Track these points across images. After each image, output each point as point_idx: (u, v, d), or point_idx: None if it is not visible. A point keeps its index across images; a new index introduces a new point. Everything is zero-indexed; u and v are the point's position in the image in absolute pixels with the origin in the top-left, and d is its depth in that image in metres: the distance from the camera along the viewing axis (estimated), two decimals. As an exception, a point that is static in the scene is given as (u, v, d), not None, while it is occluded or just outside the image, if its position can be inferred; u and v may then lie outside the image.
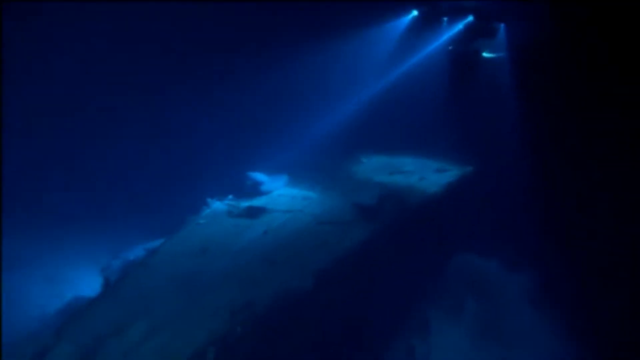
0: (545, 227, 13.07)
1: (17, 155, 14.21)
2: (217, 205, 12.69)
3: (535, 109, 13.44)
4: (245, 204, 12.52)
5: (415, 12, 15.71)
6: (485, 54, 14.92)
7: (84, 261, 13.48)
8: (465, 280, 12.58)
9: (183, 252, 10.65)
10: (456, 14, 15.09)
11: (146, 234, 13.35)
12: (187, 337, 8.02)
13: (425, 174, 13.82)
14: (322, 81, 16.12)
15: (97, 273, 12.25)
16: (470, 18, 15.01)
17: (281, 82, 15.87)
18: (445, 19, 15.32)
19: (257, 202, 12.71)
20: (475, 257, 12.86)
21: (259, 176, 13.67)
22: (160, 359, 7.64)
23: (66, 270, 13.19)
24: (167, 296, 9.11)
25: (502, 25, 14.39)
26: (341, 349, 10.38)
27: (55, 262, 13.24)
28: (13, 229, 13.19)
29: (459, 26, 15.18)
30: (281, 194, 13.32)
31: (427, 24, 15.54)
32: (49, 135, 14.86)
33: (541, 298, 11.91)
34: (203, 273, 9.79)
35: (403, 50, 15.93)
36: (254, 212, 12.11)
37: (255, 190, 13.33)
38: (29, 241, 13.18)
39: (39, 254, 13.26)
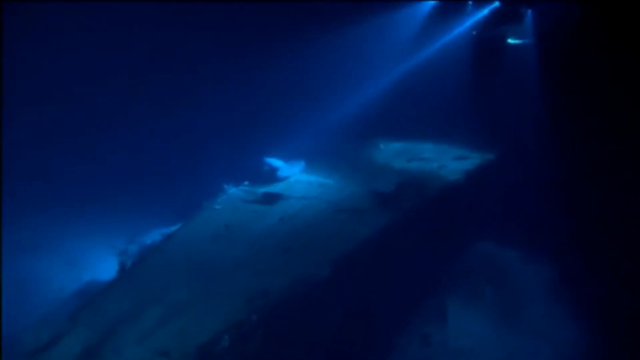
0: (567, 218, 12.77)
1: (35, 141, 14.31)
2: (233, 191, 12.60)
3: (562, 97, 13.07)
4: (261, 190, 12.40)
5: (439, -4, 15.33)
6: (510, 40, 14.51)
7: (102, 245, 13.56)
8: (484, 269, 12.37)
9: (198, 238, 10.59)
10: (482, -2, 14.70)
11: (163, 219, 13.38)
12: (202, 324, 7.96)
13: (445, 161, 13.55)
14: (341, 67, 15.88)
15: (114, 257, 12.31)
16: (496, 3, 14.59)
17: (299, 67, 15.66)
18: (470, 2, 14.91)
19: (273, 188, 12.59)
20: (494, 246, 12.62)
21: (275, 162, 13.53)
22: (175, 345, 7.57)
23: (85, 255, 13.28)
24: (182, 282, 9.06)
25: (529, 11, 13.96)
26: (356, 337, 10.28)
27: (74, 246, 13.33)
28: (33, 213, 13.31)
29: (484, 11, 14.77)
30: (298, 180, 13.18)
31: (451, 8, 15.13)
32: (67, 121, 14.90)
33: (560, 289, 11.64)
34: (218, 259, 9.72)
35: (425, 34, 15.57)
36: (270, 199, 11.99)
37: (271, 176, 13.20)
38: (49, 225, 13.29)
39: (59, 238, 13.36)
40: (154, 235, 13.26)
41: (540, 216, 12.82)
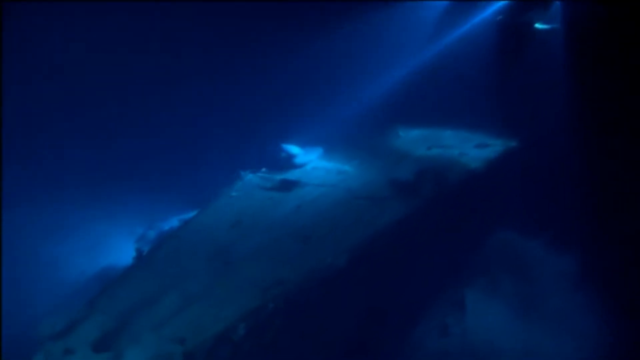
0: (591, 207, 12.43)
1: (56, 125, 14.40)
2: (250, 177, 12.50)
3: (590, 85, 12.63)
4: (278, 177, 12.29)
5: (463, -21, 14.89)
6: (537, 26, 14.04)
7: (121, 231, 13.66)
8: (504, 259, 12.13)
9: (215, 225, 10.53)
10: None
11: (182, 206, 13.40)
12: (218, 312, 7.91)
13: (466, 149, 13.25)
14: (361, 53, 15.62)
15: (132, 243, 12.38)
16: None
17: (318, 54, 15.45)
18: None
19: (290, 175, 12.47)
20: (516, 236, 12.33)
21: (292, 149, 13.40)
22: (191, 332, 7.54)
23: (104, 240, 13.39)
24: (198, 269, 9.02)
25: None
26: (373, 327, 10.19)
27: (94, 231, 13.44)
28: (54, 198, 13.43)
29: None
30: (315, 167, 13.03)
31: None
32: (86, 106, 14.93)
33: (583, 280, 11.36)
34: (235, 247, 9.66)
35: (448, 19, 15.19)
36: (287, 186, 11.88)
37: (288, 163, 13.08)
38: (69, 210, 13.41)
39: (79, 222, 13.48)
40: (171, 222, 13.30)
41: (563, 206, 12.49)
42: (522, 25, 14.03)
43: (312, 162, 13.26)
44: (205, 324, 7.71)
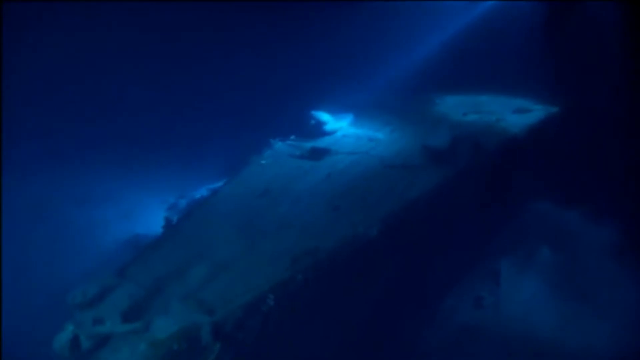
0: (634, 178, 11.82)
1: (90, 99, 14.49)
2: (280, 145, 12.26)
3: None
4: (308, 145, 12.00)
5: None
6: None
7: (154, 200, 13.76)
8: (541, 230, 11.70)
9: (245, 194, 10.38)
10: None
11: (212, 175, 13.37)
12: (247, 282, 7.79)
13: (504, 114, 12.68)
14: (396, 21, 15.06)
15: (164, 212, 12.43)
16: None
17: (350, 21, 14.97)
18: None
19: (320, 143, 12.17)
20: (554, 207, 11.84)
21: (322, 115, 13.05)
22: (220, 303, 7.46)
23: (138, 207, 13.51)
24: (227, 239, 8.91)
25: None
26: (406, 296, 9.98)
27: (128, 199, 13.57)
28: (88, 166, 13.59)
29: None
30: (346, 134, 12.69)
31: None
32: (123, 75, 14.91)
33: (624, 253, 10.85)
34: (264, 216, 9.50)
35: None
36: (317, 154, 11.59)
37: (318, 130, 12.77)
38: (104, 177, 13.56)
39: (114, 190, 13.63)
40: (202, 191, 13.27)
41: (604, 176, 11.92)
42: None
43: (342, 129, 12.91)
44: (234, 294, 7.59)
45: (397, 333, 9.77)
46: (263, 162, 11.65)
